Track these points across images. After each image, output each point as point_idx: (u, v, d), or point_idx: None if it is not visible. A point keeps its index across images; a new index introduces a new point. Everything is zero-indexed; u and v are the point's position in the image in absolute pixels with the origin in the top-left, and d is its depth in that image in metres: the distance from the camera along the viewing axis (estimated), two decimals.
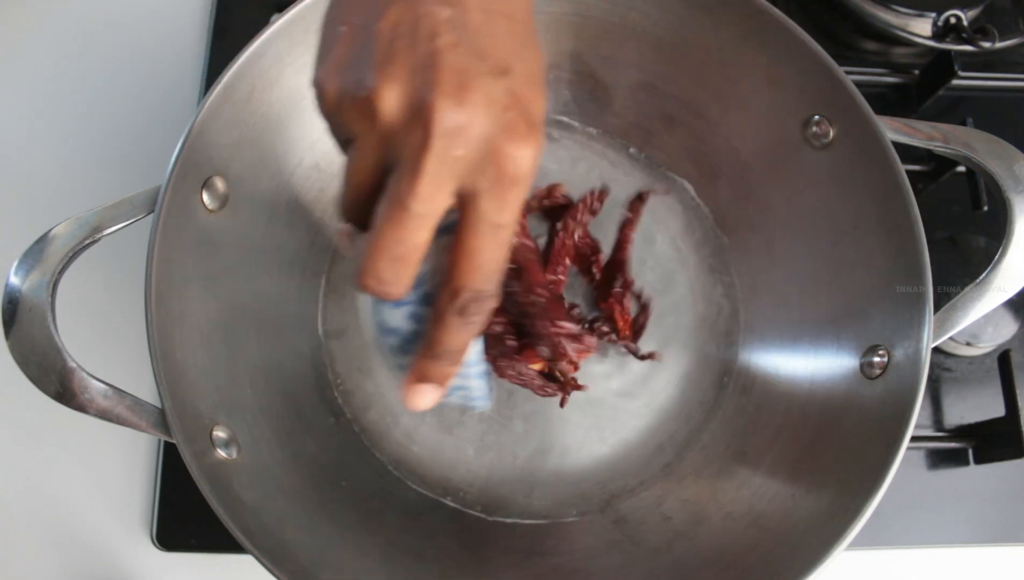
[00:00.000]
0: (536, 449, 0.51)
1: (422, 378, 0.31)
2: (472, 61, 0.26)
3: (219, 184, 0.45)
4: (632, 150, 0.57)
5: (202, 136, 0.43)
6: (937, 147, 0.45)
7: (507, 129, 0.26)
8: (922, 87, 0.63)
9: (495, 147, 0.26)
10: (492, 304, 0.29)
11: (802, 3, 0.67)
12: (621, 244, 0.54)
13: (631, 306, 0.53)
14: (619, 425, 0.52)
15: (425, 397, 0.31)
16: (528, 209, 0.53)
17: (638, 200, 0.55)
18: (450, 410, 0.51)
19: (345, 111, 0.26)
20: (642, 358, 0.52)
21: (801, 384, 0.49)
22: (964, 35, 0.62)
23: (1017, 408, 0.52)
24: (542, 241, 0.53)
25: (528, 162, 0.27)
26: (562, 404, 0.50)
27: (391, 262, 0.27)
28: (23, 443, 0.54)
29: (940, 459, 0.56)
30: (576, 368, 0.50)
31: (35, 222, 0.43)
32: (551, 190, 0.54)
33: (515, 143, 0.26)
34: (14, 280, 0.39)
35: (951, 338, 0.47)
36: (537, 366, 0.49)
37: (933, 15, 0.63)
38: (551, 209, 0.53)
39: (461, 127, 0.25)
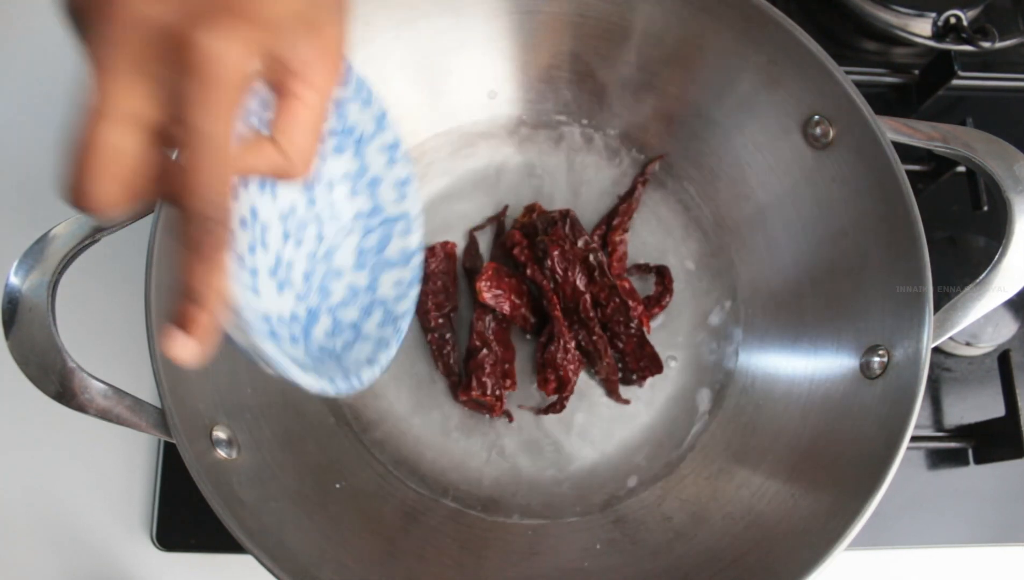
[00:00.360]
0: (536, 449, 0.51)
1: (178, 322, 0.26)
2: None
3: None
4: (632, 149, 0.57)
5: None
6: (937, 147, 0.45)
7: (196, 14, 0.23)
8: (922, 87, 0.63)
9: (180, 33, 0.23)
10: (224, 234, 0.25)
11: (802, 3, 0.67)
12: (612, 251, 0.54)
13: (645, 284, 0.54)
14: (619, 425, 0.52)
15: (178, 346, 0.26)
16: (512, 232, 0.53)
17: (628, 195, 0.55)
18: (450, 411, 0.51)
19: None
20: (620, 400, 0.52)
21: (801, 384, 0.49)
22: (964, 35, 0.62)
23: (1017, 408, 0.52)
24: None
25: (223, 54, 0.23)
26: (561, 408, 0.51)
27: (78, 169, 0.24)
28: (23, 443, 0.54)
29: (940, 459, 0.56)
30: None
31: (35, 222, 0.43)
32: (530, 209, 0.54)
33: (204, 29, 0.23)
34: (14, 280, 0.39)
35: (951, 338, 0.47)
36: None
37: (933, 15, 0.63)
38: (532, 227, 0.53)
39: (140, 11, 0.23)
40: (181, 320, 0.26)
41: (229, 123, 0.24)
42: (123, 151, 0.24)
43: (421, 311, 0.52)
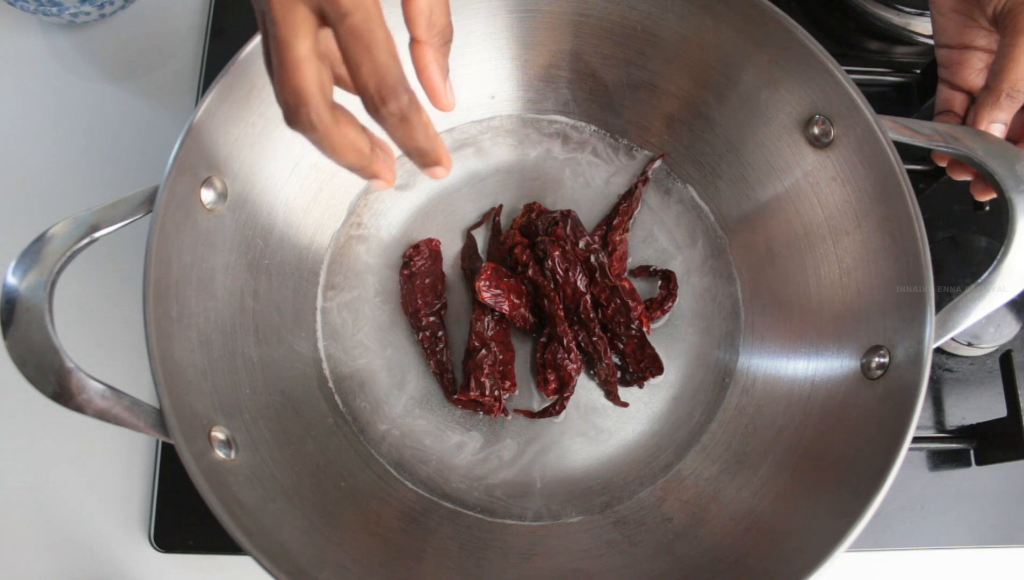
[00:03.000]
0: (536, 450, 0.51)
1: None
2: None
3: (217, 183, 0.45)
4: (632, 149, 0.57)
5: (200, 135, 0.43)
6: (938, 147, 0.45)
7: None
8: (924, 86, 0.63)
9: None
10: (412, 100, 0.31)
11: (803, 2, 0.67)
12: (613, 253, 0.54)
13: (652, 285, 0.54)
14: (619, 426, 0.52)
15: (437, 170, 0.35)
16: (512, 231, 0.53)
17: (628, 196, 0.55)
18: (447, 411, 0.51)
19: None
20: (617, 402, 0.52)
21: (802, 385, 0.49)
22: None
23: (1019, 409, 0.52)
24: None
25: None
26: (559, 410, 0.51)
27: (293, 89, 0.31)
28: (21, 444, 0.53)
29: (941, 460, 0.56)
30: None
31: (33, 221, 0.43)
32: (529, 209, 0.54)
33: None
34: (12, 280, 0.38)
35: (952, 338, 0.47)
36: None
37: None
38: (532, 227, 0.53)
39: None
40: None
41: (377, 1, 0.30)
42: (314, 59, 0.30)
43: (411, 310, 0.52)
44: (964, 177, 0.49)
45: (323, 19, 0.30)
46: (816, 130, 0.48)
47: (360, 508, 0.47)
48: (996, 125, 0.45)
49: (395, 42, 0.31)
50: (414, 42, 0.35)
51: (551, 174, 0.56)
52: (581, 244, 0.52)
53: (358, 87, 0.31)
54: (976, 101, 0.46)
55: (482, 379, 0.49)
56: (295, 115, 0.31)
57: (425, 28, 0.34)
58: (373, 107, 0.31)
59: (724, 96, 0.52)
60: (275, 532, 0.41)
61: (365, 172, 0.34)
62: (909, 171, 0.44)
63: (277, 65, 0.31)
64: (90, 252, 0.40)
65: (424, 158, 0.34)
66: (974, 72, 0.48)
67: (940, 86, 0.49)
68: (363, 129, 0.33)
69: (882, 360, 0.44)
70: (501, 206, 0.55)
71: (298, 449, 0.47)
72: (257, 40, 0.44)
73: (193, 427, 0.40)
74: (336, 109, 0.32)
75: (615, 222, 0.54)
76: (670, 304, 0.53)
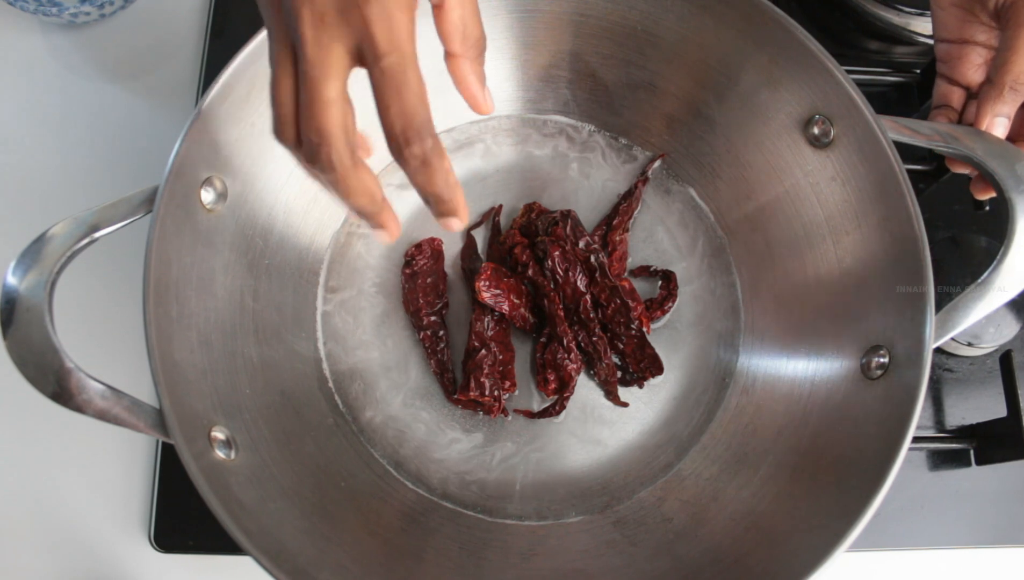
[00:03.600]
0: (536, 450, 0.51)
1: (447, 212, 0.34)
2: None
3: (217, 183, 0.45)
4: (632, 149, 0.57)
5: (200, 135, 0.43)
6: (938, 147, 0.45)
7: None
8: (923, 86, 0.63)
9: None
10: (437, 143, 0.31)
11: (803, 2, 0.67)
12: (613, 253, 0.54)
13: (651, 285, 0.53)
14: (619, 426, 0.52)
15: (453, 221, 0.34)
16: (512, 231, 0.53)
17: (628, 196, 0.55)
18: (448, 411, 0.51)
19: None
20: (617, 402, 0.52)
21: (802, 384, 0.49)
22: None
23: (1019, 409, 0.52)
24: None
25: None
26: (559, 410, 0.51)
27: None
28: (21, 444, 0.53)
29: (941, 460, 0.56)
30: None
31: (33, 221, 0.43)
32: (529, 209, 0.54)
33: None
34: (12, 280, 0.38)
35: (952, 338, 0.47)
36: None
37: None
38: (532, 227, 0.53)
39: None
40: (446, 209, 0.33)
41: (414, 44, 0.30)
42: (342, 101, 0.31)
43: (413, 309, 0.52)
44: (964, 171, 0.49)
45: (358, 59, 0.30)
46: (816, 130, 0.48)
47: (360, 508, 0.47)
48: (1000, 119, 0.45)
49: (426, 88, 0.31)
50: (449, 56, 0.35)
51: (551, 174, 0.56)
52: (581, 244, 0.52)
53: (385, 127, 0.31)
54: (979, 95, 0.46)
55: (482, 379, 0.49)
56: (316, 154, 0.31)
57: (460, 42, 0.35)
58: (397, 148, 0.31)
59: (724, 96, 0.52)
60: (275, 532, 0.41)
61: (374, 219, 0.34)
62: (909, 171, 0.44)
63: (305, 103, 0.30)
64: (90, 252, 0.40)
65: (441, 206, 0.33)
66: (973, 67, 0.48)
67: (938, 81, 0.49)
68: (377, 178, 0.33)
69: (882, 360, 0.44)
70: (501, 206, 0.55)
71: (298, 449, 0.47)
72: (257, 40, 0.44)
73: (193, 427, 0.40)
74: (355, 153, 0.32)
75: (615, 222, 0.54)
76: (670, 304, 0.53)
